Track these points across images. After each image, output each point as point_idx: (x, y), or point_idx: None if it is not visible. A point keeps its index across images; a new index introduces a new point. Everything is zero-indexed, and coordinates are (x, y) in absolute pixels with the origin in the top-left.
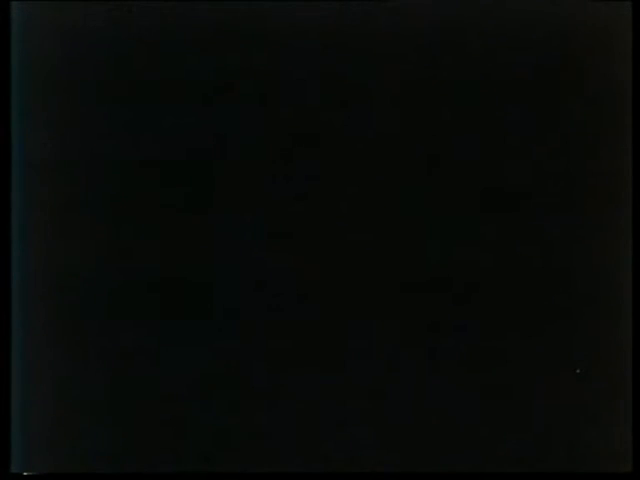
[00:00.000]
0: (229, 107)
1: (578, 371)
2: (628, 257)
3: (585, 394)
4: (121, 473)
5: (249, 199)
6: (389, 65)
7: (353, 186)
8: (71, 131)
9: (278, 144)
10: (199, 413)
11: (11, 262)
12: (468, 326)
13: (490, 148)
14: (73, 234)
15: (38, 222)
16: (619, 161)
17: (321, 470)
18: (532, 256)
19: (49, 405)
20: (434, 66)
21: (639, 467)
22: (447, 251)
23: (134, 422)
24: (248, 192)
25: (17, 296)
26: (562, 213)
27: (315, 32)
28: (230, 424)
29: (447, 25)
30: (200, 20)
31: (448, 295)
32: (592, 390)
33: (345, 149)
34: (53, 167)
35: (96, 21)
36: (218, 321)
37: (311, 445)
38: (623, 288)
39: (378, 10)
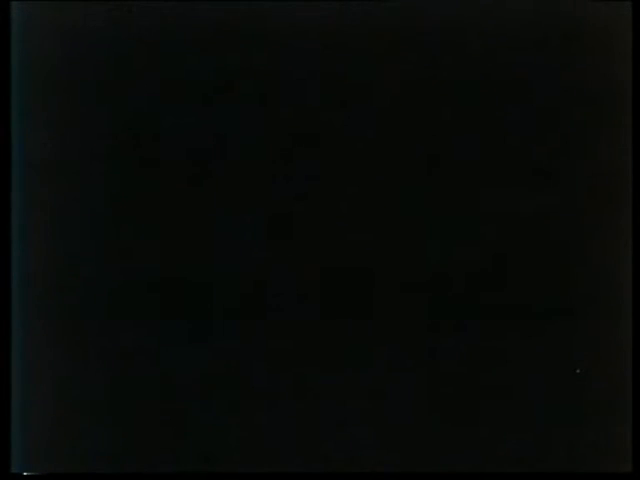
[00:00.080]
0: (229, 107)
1: (578, 371)
2: (628, 257)
3: (585, 394)
4: (121, 473)
5: (249, 199)
6: (389, 65)
7: (353, 186)
8: (71, 131)
9: (278, 144)
10: (199, 413)
11: (11, 262)
12: (468, 326)
13: (490, 148)
14: (73, 234)
15: (38, 222)
16: (619, 161)
17: (321, 470)
18: (532, 256)
19: (49, 405)
20: (434, 66)
21: (639, 467)
22: (447, 251)
23: (134, 422)
24: (248, 192)
25: (17, 296)
26: (562, 213)
27: (315, 32)
28: (230, 424)
29: (447, 25)
30: (200, 20)
31: (448, 295)
32: (592, 390)
33: (345, 149)
34: (53, 167)
35: (96, 21)
36: (218, 321)
37: (311, 445)
38: (623, 288)
39: (378, 10)
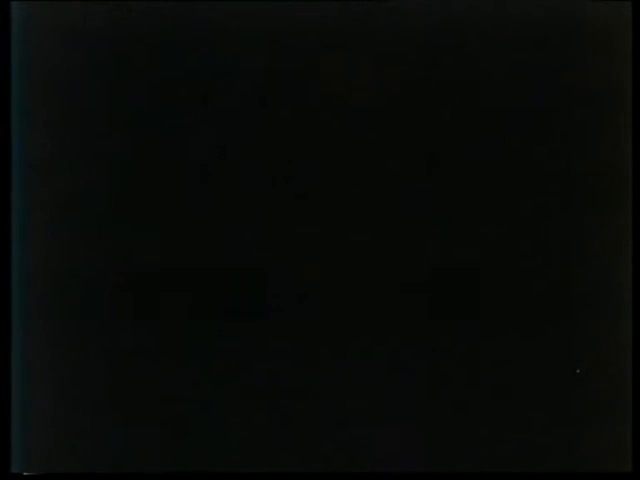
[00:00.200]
0: (229, 107)
1: (578, 371)
2: (628, 257)
3: (585, 394)
4: (121, 473)
5: (249, 199)
6: (389, 65)
7: (353, 186)
8: (71, 131)
9: (278, 144)
10: (199, 413)
11: (11, 262)
12: (468, 326)
13: (490, 148)
14: (73, 234)
15: (38, 222)
16: (619, 161)
17: (321, 470)
18: (532, 256)
19: (49, 405)
20: (434, 66)
21: (639, 467)
22: (447, 251)
23: (134, 422)
24: (248, 192)
25: (17, 296)
26: (562, 213)
27: (315, 32)
28: (230, 424)
29: (447, 25)
30: (200, 20)
31: (447, 295)
32: (592, 390)
33: (345, 149)
34: (53, 167)
35: (96, 21)
36: (218, 321)
37: (311, 445)
38: (623, 288)
39: (378, 10)
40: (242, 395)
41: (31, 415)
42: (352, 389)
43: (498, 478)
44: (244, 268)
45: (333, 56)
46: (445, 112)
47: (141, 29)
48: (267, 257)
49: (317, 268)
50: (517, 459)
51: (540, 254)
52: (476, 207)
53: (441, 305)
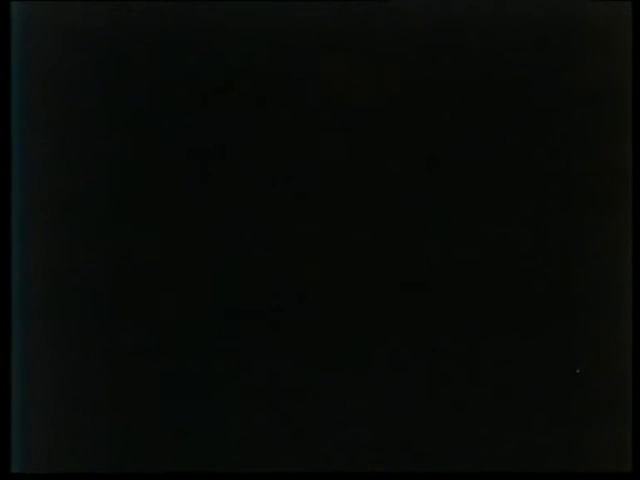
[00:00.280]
0: (229, 107)
1: (578, 371)
2: (628, 257)
3: (585, 394)
4: (121, 473)
5: (249, 199)
6: (389, 65)
7: (353, 186)
8: (71, 131)
9: (278, 144)
10: (199, 413)
11: (11, 262)
12: (468, 326)
13: (490, 148)
14: (73, 234)
15: (38, 222)
16: (619, 161)
17: (321, 470)
18: (532, 256)
19: (49, 405)
20: (434, 66)
21: (639, 467)
22: (447, 251)
23: (134, 422)
24: (248, 192)
25: (17, 296)
26: (562, 213)
27: (315, 32)
28: (230, 424)
29: (447, 25)
30: (200, 20)
31: (448, 295)
32: (592, 390)
33: (345, 149)
34: (53, 167)
35: (96, 21)
36: (218, 321)
37: (311, 445)
38: (623, 288)
39: (378, 10)
40: (242, 395)
41: (31, 415)
42: (352, 389)
43: (498, 478)
44: (244, 268)
45: (333, 56)
46: (445, 112)
47: (141, 29)
48: (267, 257)
49: (317, 268)
50: (517, 459)
51: (540, 254)
52: (476, 207)
53: (441, 305)
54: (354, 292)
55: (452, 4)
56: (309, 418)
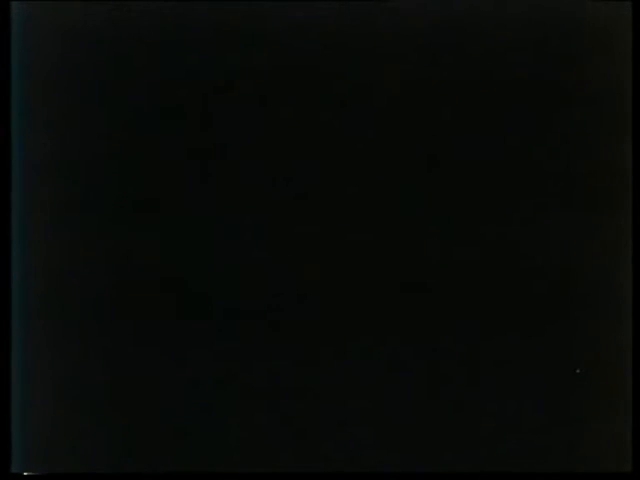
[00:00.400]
0: (229, 107)
1: (578, 371)
2: (628, 257)
3: (585, 394)
4: (121, 473)
5: (249, 199)
6: (389, 65)
7: (353, 186)
8: (71, 131)
9: (278, 144)
10: (199, 413)
11: (11, 262)
12: (468, 326)
13: (490, 148)
14: (73, 234)
15: (38, 222)
16: (619, 161)
17: (321, 470)
18: (532, 256)
19: (49, 405)
20: (434, 66)
21: (639, 467)
22: (447, 251)
23: (134, 422)
24: (248, 192)
25: (17, 296)
26: (562, 213)
27: (315, 32)
28: (230, 424)
29: (447, 25)
30: (200, 20)
31: (448, 295)
32: (592, 390)
33: (345, 149)
34: (53, 167)
35: (96, 21)
36: (218, 321)
37: (311, 445)
38: (623, 288)
39: (378, 10)
40: (242, 395)
41: (31, 415)
42: (352, 389)
43: (498, 478)
44: (244, 268)
45: (333, 56)
46: (445, 112)
47: (141, 29)
48: (267, 257)
49: (317, 268)
50: (517, 459)
51: (540, 254)
52: (476, 207)
53: (441, 305)
54: (354, 292)
55: (452, 4)
56: (309, 418)
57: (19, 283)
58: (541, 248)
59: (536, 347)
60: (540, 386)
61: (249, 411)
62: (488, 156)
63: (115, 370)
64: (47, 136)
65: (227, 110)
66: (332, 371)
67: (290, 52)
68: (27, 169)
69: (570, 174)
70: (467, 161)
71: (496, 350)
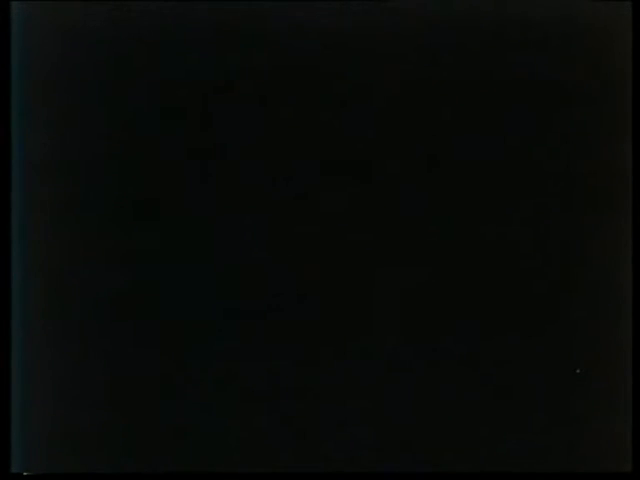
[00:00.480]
0: (229, 107)
1: (578, 371)
2: (628, 257)
3: (585, 394)
4: (121, 473)
5: (249, 199)
6: (389, 65)
7: (353, 186)
8: (71, 131)
9: (278, 144)
10: (199, 413)
11: (11, 262)
12: (468, 326)
13: (490, 148)
14: (73, 234)
15: (38, 222)
16: (619, 161)
17: (321, 470)
18: (532, 256)
19: (49, 405)
20: (434, 66)
21: (639, 467)
22: (447, 251)
23: (134, 422)
24: (248, 192)
25: (17, 296)
26: (562, 213)
27: (315, 32)
28: (230, 424)
29: (447, 25)
30: (200, 20)
31: (448, 295)
32: (592, 390)
33: (345, 149)
34: (53, 167)
35: (96, 21)
36: (218, 321)
37: (311, 445)
38: (623, 288)
39: (378, 10)
40: (242, 395)
41: (31, 415)
42: (352, 389)
43: (498, 478)
44: (244, 268)
45: (333, 56)
46: (445, 112)
47: (141, 29)
48: (267, 257)
49: (317, 268)
50: (517, 459)
51: (540, 254)
52: (476, 207)
53: (441, 305)
54: (354, 292)
55: (452, 4)
56: (309, 418)
57: (19, 283)
58: (541, 248)
59: (536, 347)
60: (540, 386)
61: (249, 411)
62: (488, 156)
63: (115, 370)
64: (47, 136)
65: (227, 110)
66: (332, 371)
67: (290, 52)
68: (27, 169)
69: (570, 174)
70: (467, 161)
71: (496, 350)
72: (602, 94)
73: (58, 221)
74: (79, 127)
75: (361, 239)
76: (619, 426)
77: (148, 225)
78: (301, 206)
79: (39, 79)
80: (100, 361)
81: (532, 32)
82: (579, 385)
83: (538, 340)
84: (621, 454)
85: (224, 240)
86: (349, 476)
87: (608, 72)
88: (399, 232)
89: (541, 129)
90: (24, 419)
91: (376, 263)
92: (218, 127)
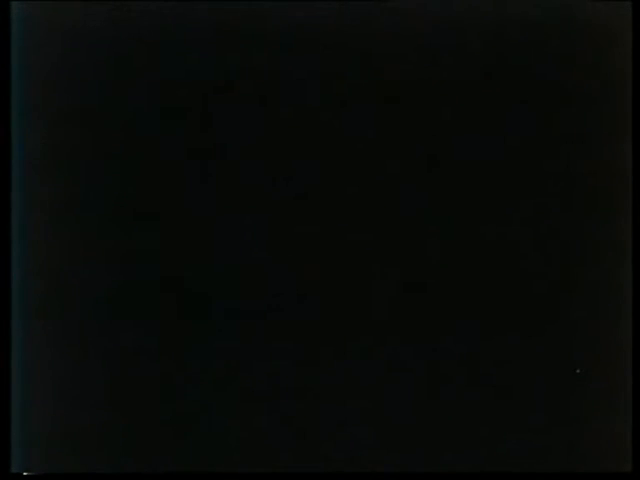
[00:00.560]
0: (229, 107)
1: (578, 371)
2: (628, 257)
3: (585, 394)
4: (121, 473)
5: (249, 199)
6: (389, 65)
7: (353, 186)
8: (71, 131)
9: (278, 144)
10: (199, 413)
11: (11, 262)
12: (468, 326)
13: (490, 148)
14: (73, 234)
15: (38, 222)
16: (619, 161)
17: (321, 470)
18: (532, 256)
19: (49, 405)
20: (434, 66)
21: (639, 467)
22: (447, 251)
23: (134, 422)
24: (248, 192)
25: (17, 296)
26: (562, 213)
27: (315, 32)
28: (230, 424)
29: (447, 25)
30: (200, 20)
31: (448, 295)
32: (592, 390)
33: (345, 149)
34: (53, 167)
35: (96, 21)
36: (218, 321)
37: (311, 445)
38: (623, 288)
39: (378, 10)
40: (242, 395)
41: (31, 415)
42: (352, 389)
43: (498, 478)
44: (244, 268)
45: (333, 56)
46: (445, 112)
47: (141, 29)
48: (267, 257)
49: (317, 268)
50: (517, 459)
51: (540, 254)
52: (476, 207)
53: (441, 305)
54: (354, 292)
55: (452, 4)
56: (309, 418)
57: (19, 283)
58: (541, 248)
59: (536, 347)
60: (540, 386)
61: (249, 411)
62: (488, 156)
63: (115, 370)
64: (47, 136)
65: (227, 110)
66: (332, 371)
67: (290, 52)
68: (27, 169)
69: (570, 174)
70: (467, 161)
71: (496, 350)
72: (602, 94)
73: (58, 221)
74: (79, 127)
75: (361, 239)
76: (619, 426)
77: (148, 225)
78: (301, 206)
79: (39, 79)
80: (100, 361)
81: (532, 32)
82: (579, 385)
83: (538, 340)
84: (621, 454)
85: (224, 240)
86: (349, 476)
87: (608, 72)
88: (399, 232)
89: (541, 129)
90: (24, 419)
91: (376, 263)
92: (218, 127)
